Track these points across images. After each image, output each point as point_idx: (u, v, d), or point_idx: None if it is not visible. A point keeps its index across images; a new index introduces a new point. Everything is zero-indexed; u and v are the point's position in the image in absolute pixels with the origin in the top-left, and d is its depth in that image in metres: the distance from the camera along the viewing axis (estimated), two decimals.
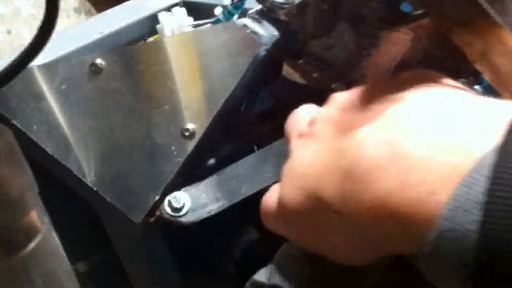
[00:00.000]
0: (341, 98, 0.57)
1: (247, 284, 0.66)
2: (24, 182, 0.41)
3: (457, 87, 0.52)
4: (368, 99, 0.52)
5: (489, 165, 0.35)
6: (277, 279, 0.62)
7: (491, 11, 0.50)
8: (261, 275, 0.64)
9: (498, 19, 0.49)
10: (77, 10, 1.71)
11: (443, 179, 0.37)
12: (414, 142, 0.42)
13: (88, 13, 1.71)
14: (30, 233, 0.41)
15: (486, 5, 0.49)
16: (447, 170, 0.38)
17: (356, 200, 0.43)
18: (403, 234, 0.40)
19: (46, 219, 0.44)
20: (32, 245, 0.40)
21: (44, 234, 0.42)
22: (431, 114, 0.44)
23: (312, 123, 0.58)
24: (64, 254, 0.48)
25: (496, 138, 0.37)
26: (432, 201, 0.37)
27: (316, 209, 0.49)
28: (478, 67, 0.53)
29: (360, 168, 0.43)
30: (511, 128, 0.36)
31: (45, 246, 0.42)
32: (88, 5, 1.73)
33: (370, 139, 0.45)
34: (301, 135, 0.58)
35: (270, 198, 0.59)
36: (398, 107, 0.47)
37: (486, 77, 0.52)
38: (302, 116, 0.63)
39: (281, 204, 0.55)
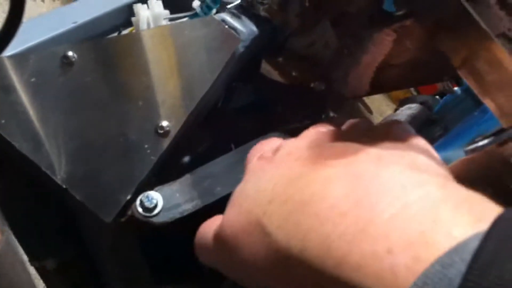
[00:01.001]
0: (311, 135, 0.53)
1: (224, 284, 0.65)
2: None
3: (434, 157, 0.48)
4: (338, 143, 0.49)
5: (471, 250, 0.32)
6: None
7: (476, 17, 0.48)
8: None
9: (483, 25, 0.48)
10: None
11: (413, 250, 0.34)
12: (387, 205, 0.37)
13: None
14: None
15: (471, 10, 0.48)
16: (419, 243, 0.34)
17: (302, 243, 0.39)
18: None
19: (6, 229, 0.41)
20: None
21: (3, 245, 0.39)
22: (406, 178, 0.40)
23: (276, 150, 0.55)
24: (24, 262, 0.45)
25: (476, 223, 0.34)
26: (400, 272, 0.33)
27: (257, 237, 0.44)
28: (461, 73, 0.52)
29: (318, 205, 0.40)
30: (498, 220, 0.34)
31: (4, 256, 0.39)
32: None
33: (337, 181, 0.41)
34: (261, 158, 0.55)
35: (210, 225, 0.55)
36: (371, 160, 0.43)
37: (469, 83, 0.51)
38: (268, 144, 0.60)
39: (222, 227, 0.50)
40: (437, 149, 0.67)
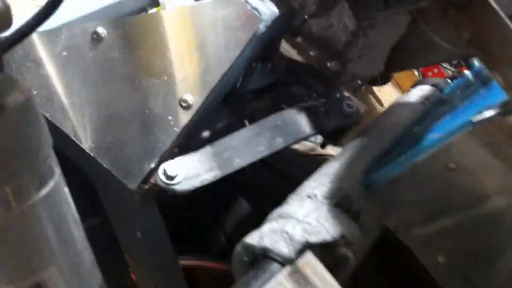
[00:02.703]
0: None
1: (238, 246, 0.69)
2: (41, 133, 0.43)
3: None
4: None
5: None
6: (267, 242, 0.65)
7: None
8: (251, 238, 0.67)
9: (495, 6, 0.52)
10: None
11: None
12: None
13: None
14: (43, 179, 0.43)
15: None
16: None
17: None
18: None
19: (58, 169, 0.46)
20: (44, 191, 0.42)
21: (56, 182, 0.43)
22: None
23: None
24: (73, 203, 0.50)
25: None
26: None
27: None
28: (472, 49, 0.55)
29: None
30: None
31: (56, 193, 0.44)
32: None
33: None
34: None
35: None
36: None
37: (478, 58, 0.55)
38: None
39: None
40: (445, 123, 0.71)
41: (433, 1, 0.59)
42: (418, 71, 2.23)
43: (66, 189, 0.48)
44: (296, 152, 1.00)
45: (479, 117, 0.57)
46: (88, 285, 0.50)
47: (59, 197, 0.44)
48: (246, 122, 0.93)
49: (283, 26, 0.82)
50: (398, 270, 0.87)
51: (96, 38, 0.82)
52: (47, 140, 0.45)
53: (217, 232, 0.99)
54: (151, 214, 0.87)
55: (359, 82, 0.83)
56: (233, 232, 0.98)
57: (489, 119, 0.56)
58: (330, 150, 0.96)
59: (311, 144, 1.02)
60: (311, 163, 0.84)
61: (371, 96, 2.14)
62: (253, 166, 0.84)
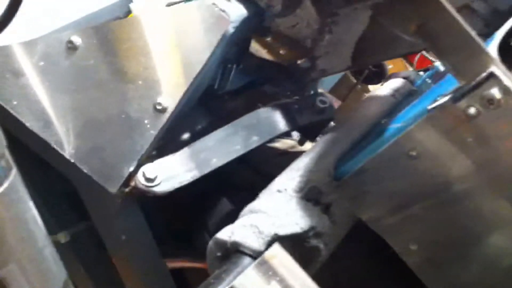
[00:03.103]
0: None
1: (210, 241, 0.70)
2: None
3: None
4: None
5: None
6: (237, 237, 0.66)
7: None
8: (223, 233, 0.68)
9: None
10: None
11: None
12: None
13: None
14: None
15: None
16: None
17: None
18: None
19: (14, 169, 0.47)
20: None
21: (11, 182, 0.45)
22: None
23: None
24: (31, 202, 0.51)
25: None
26: None
27: None
28: (420, 39, 0.57)
29: None
30: None
31: (12, 192, 0.45)
32: None
33: None
34: None
35: None
36: None
37: (426, 47, 0.56)
38: None
39: None
40: (406, 112, 0.72)
41: None
42: (412, 66, 2.24)
43: (22, 189, 0.49)
44: (276, 150, 1.01)
45: (434, 104, 0.58)
46: (52, 281, 0.51)
47: (15, 197, 0.46)
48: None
49: (252, 26, 0.84)
50: (389, 279, 0.87)
51: (71, 47, 0.83)
52: (1, 141, 0.46)
53: (202, 233, 1.00)
54: (134, 216, 0.88)
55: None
56: (217, 231, 0.99)
57: (442, 105, 0.57)
58: (309, 146, 0.97)
59: (291, 142, 1.03)
60: (291, 161, 0.85)
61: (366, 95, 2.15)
62: (234, 166, 0.86)
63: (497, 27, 0.63)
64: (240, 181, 0.98)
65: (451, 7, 0.53)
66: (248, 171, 0.97)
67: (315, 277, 0.65)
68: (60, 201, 0.95)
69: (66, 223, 0.96)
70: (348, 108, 0.86)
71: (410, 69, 2.24)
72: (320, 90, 0.90)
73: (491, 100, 0.54)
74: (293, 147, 1.02)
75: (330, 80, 2.09)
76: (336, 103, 0.89)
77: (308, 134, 0.95)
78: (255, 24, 0.85)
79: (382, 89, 0.86)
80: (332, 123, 0.92)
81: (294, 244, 0.66)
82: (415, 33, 0.56)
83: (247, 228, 0.66)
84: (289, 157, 0.94)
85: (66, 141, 0.82)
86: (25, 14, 0.82)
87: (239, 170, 0.96)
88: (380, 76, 2.11)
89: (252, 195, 0.79)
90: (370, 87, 2.27)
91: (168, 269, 0.94)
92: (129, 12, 0.98)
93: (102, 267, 0.98)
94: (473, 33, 0.54)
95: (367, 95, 0.87)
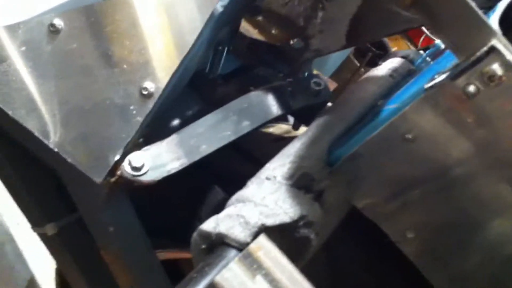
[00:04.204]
0: None
1: (194, 234, 0.67)
2: None
3: None
4: None
5: None
6: (222, 228, 0.63)
7: None
8: (207, 225, 0.65)
9: None
10: None
11: None
12: None
13: None
14: None
15: None
16: None
17: None
18: None
19: None
20: None
21: None
22: None
23: None
24: None
25: None
26: None
27: None
28: (415, 12, 0.52)
29: None
30: None
31: None
32: None
33: None
34: None
35: None
36: None
37: (423, 22, 0.52)
38: None
39: None
40: (402, 92, 0.68)
41: None
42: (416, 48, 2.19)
43: None
44: (271, 136, 0.98)
45: (431, 83, 0.54)
46: (14, 280, 0.48)
47: None
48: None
49: (242, 5, 0.80)
50: (387, 268, 0.84)
51: (53, 30, 0.80)
52: None
53: (195, 223, 0.97)
54: (122, 207, 0.85)
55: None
56: None
57: (439, 84, 0.53)
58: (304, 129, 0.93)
59: (286, 127, 0.99)
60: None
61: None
62: (227, 153, 0.82)
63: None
64: (233, 169, 0.94)
65: None
66: (241, 158, 0.93)
67: (306, 267, 0.62)
68: (47, 192, 0.92)
69: (54, 215, 0.94)
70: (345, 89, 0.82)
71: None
72: (314, 72, 0.86)
73: (492, 77, 0.50)
74: (288, 132, 0.98)
75: (333, 64, 2.06)
76: (332, 85, 0.85)
77: (303, 118, 0.91)
78: (245, 2, 0.80)
79: (379, 69, 0.82)
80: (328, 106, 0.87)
81: (283, 234, 0.62)
82: (411, 6, 0.52)
83: (233, 218, 0.62)
84: (284, 143, 0.91)
85: (49, 130, 0.79)
86: None
87: (232, 157, 0.92)
88: (383, 58, 2.07)
89: (245, 183, 0.76)
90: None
91: (159, 261, 0.91)
92: None
93: (91, 259, 0.96)
94: (472, 4, 0.49)
95: (364, 76, 0.83)
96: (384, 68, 0.82)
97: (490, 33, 0.49)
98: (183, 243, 1.00)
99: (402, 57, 0.84)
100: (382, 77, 0.80)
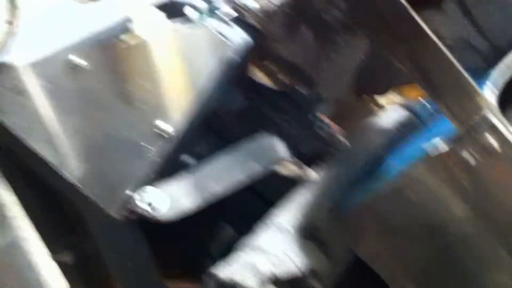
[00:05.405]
0: None
1: (205, 277, 0.70)
2: None
3: None
4: None
5: None
6: (234, 274, 0.66)
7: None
8: (222, 272, 0.68)
9: (421, 24, 0.52)
10: None
11: None
12: None
13: None
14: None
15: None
16: None
17: None
18: None
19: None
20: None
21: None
22: None
23: None
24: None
25: None
26: None
27: None
28: (406, 69, 0.55)
29: None
30: None
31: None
32: None
33: None
34: None
35: None
36: None
37: (421, 87, 0.55)
38: None
39: None
40: (405, 150, 0.70)
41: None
42: None
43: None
44: (278, 175, 1.00)
45: (430, 146, 0.57)
46: None
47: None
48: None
49: (251, 50, 0.83)
50: None
51: (75, 68, 0.83)
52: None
53: (204, 257, 1.00)
54: (134, 239, 0.88)
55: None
56: (219, 256, 0.99)
57: (438, 148, 0.56)
58: (310, 171, 0.96)
59: (293, 167, 1.02)
60: (292, 187, 0.84)
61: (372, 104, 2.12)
62: (236, 191, 0.85)
63: (495, 62, 0.61)
64: (242, 207, 0.97)
65: (445, 48, 0.52)
66: (249, 196, 0.96)
67: None
68: (61, 221, 0.95)
69: (70, 243, 0.97)
70: (353, 131, 0.84)
71: None
72: (321, 117, 0.89)
73: (487, 148, 0.52)
74: (294, 171, 1.01)
75: None
76: (337, 130, 0.88)
77: (309, 160, 0.94)
78: (255, 48, 0.84)
79: (384, 119, 0.85)
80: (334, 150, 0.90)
81: (291, 284, 0.66)
82: (410, 70, 0.55)
83: (245, 266, 0.66)
84: (291, 182, 0.94)
85: (67, 163, 0.82)
86: (27, 33, 0.84)
87: (240, 194, 0.95)
88: (384, 87, 2.07)
89: (253, 220, 0.79)
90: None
91: None
92: (128, 31, 0.98)
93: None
94: (465, 74, 0.52)
95: (369, 123, 0.85)
96: (389, 119, 0.84)
97: (484, 103, 0.52)
98: (193, 273, 1.04)
99: (407, 108, 0.86)
100: (387, 129, 0.82)
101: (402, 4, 0.54)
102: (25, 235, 0.46)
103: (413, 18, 0.54)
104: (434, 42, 0.52)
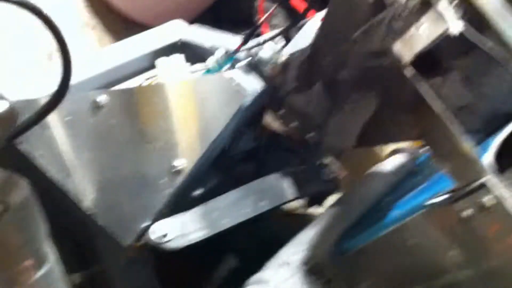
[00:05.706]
0: None
1: None
2: (37, 231, 0.50)
3: None
4: None
5: None
6: None
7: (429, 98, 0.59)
8: None
9: (435, 105, 0.59)
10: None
11: None
12: None
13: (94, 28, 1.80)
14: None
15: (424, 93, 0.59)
16: None
17: None
18: None
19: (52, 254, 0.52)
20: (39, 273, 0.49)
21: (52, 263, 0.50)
22: None
23: None
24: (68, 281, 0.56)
25: None
26: None
27: None
28: (411, 131, 0.62)
29: None
30: None
31: (52, 272, 0.50)
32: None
33: None
34: None
35: None
36: None
37: (429, 151, 0.62)
38: None
39: None
40: (407, 201, 0.77)
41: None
42: None
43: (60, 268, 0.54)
44: (281, 210, 1.07)
45: (431, 201, 0.64)
46: None
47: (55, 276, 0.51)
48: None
49: (266, 100, 0.90)
50: None
51: (97, 106, 0.88)
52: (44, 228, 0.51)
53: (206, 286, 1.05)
54: (142, 268, 0.93)
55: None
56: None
57: (438, 204, 0.63)
58: (313, 209, 1.03)
59: (296, 204, 1.08)
60: (294, 222, 0.91)
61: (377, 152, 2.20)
62: (240, 225, 0.91)
63: (497, 127, 0.69)
64: (245, 239, 1.03)
65: (447, 116, 0.59)
66: (252, 229, 1.02)
67: None
68: (72, 245, 0.99)
69: (78, 265, 1.01)
70: (358, 176, 0.91)
71: None
72: (327, 161, 0.96)
73: (483, 207, 0.59)
74: (297, 208, 1.08)
75: None
76: (342, 173, 0.94)
77: (314, 200, 1.01)
78: (270, 98, 0.91)
79: (385, 166, 0.92)
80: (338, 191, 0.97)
81: None
82: (417, 136, 0.62)
83: None
84: (293, 218, 1.00)
85: (84, 194, 0.87)
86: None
87: (243, 227, 1.01)
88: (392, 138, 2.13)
89: (255, 253, 0.85)
90: None
91: None
92: (151, 67, 1.04)
93: None
94: (465, 144, 0.59)
95: (373, 170, 0.92)
96: (389, 165, 0.91)
97: (482, 170, 0.59)
98: None
99: (406, 155, 0.93)
100: (387, 175, 0.89)
101: (406, 77, 0.61)
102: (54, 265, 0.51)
103: (417, 91, 0.61)
104: (436, 113, 0.59)
